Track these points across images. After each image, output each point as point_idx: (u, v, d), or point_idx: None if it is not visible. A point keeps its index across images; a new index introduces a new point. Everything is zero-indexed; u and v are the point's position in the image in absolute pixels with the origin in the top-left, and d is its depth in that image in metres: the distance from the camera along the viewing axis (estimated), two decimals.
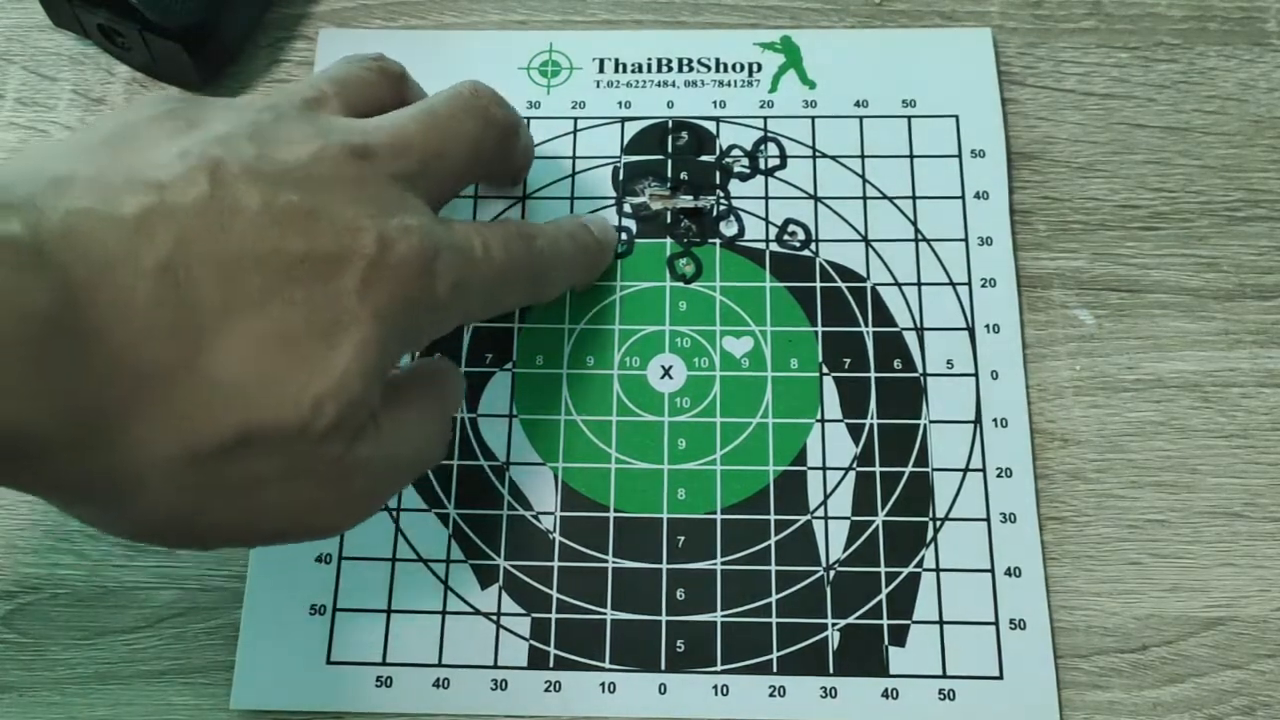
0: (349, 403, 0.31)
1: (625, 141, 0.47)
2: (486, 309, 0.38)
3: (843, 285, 0.45)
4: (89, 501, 0.30)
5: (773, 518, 0.41)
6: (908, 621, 0.40)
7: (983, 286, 0.44)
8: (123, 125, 0.32)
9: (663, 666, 0.40)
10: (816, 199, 0.46)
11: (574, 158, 0.47)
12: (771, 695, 0.39)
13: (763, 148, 0.47)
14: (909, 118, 0.47)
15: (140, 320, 0.28)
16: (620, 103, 0.48)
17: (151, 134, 0.31)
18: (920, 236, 0.45)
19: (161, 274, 0.28)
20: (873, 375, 0.43)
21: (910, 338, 0.44)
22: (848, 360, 0.43)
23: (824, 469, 0.42)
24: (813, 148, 0.47)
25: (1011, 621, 0.40)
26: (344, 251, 0.31)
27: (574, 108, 0.48)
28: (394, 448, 0.34)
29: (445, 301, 0.34)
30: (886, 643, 0.40)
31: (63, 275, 0.27)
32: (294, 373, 0.30)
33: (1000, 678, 0.39)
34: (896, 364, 0.43)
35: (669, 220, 0.46)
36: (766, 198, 0.46)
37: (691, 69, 0.48)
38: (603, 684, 0.40)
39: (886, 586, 0.40)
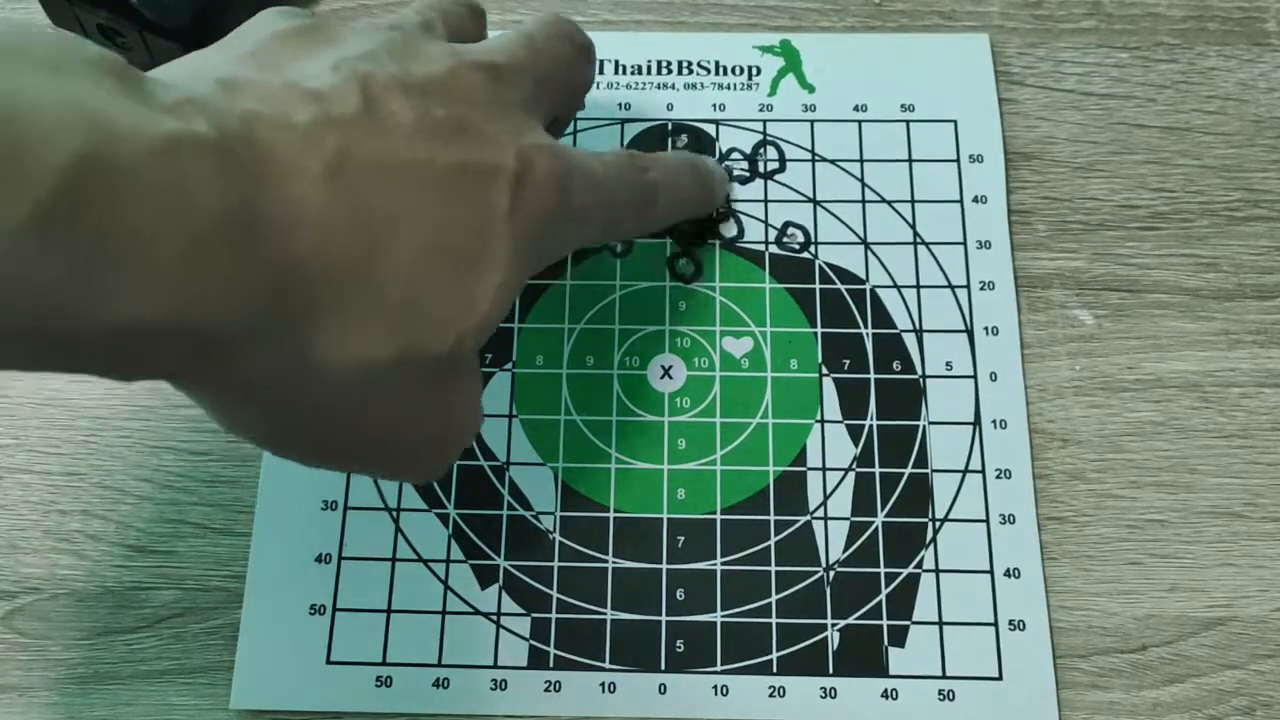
0: (482, 337, 0.32)
1: (625, 143, 0.47)
2: (604, 234, 0.39)
3: (842, 287, 0.45)
4: (246, 402, 0.30)
5: (772, 518, 0.41)
6: (907, 622, 0.40)
7: (981, 289, 0.44)
8: (261, 40, 0.32)
9: (663, 667, 0.40)
10: (815, 202, 0.46)
11: None
12: (771, 695, 0.39)
13: (762, 151, 0.47)
14: (907, 122, 0.47)
15: (316, 225, 0.28)
16: (620, 104, 0.48)
17: (293, 48, 0.32)
18: (919, 240, 0.45)
19: (332, 180, 0.29)
20: (872, 376, 0.43)
21: (909, 339, 0.44)
22: (847, 361, 0.44)
23: (824, 470, 0.42)
24: (812, 151, 0.47)
25: (1011, 622, 0.40)
26: (491, 165, 0.32)
27: None
28: (473, 393, 0.35)
29: (574, 223, 0.35)
30: (886, 643, 0.40)
31: (245, 177, 0.27)
32: (445, 299, 0.31)
33: (999, 678, 0.39)
34: (896, 365, 0.43)
35: None
36: (766, 201, 0.46)
37: (691, 71, 0.49)
38: (603, 684, 0.40)
39: (886, 587, 0.40)
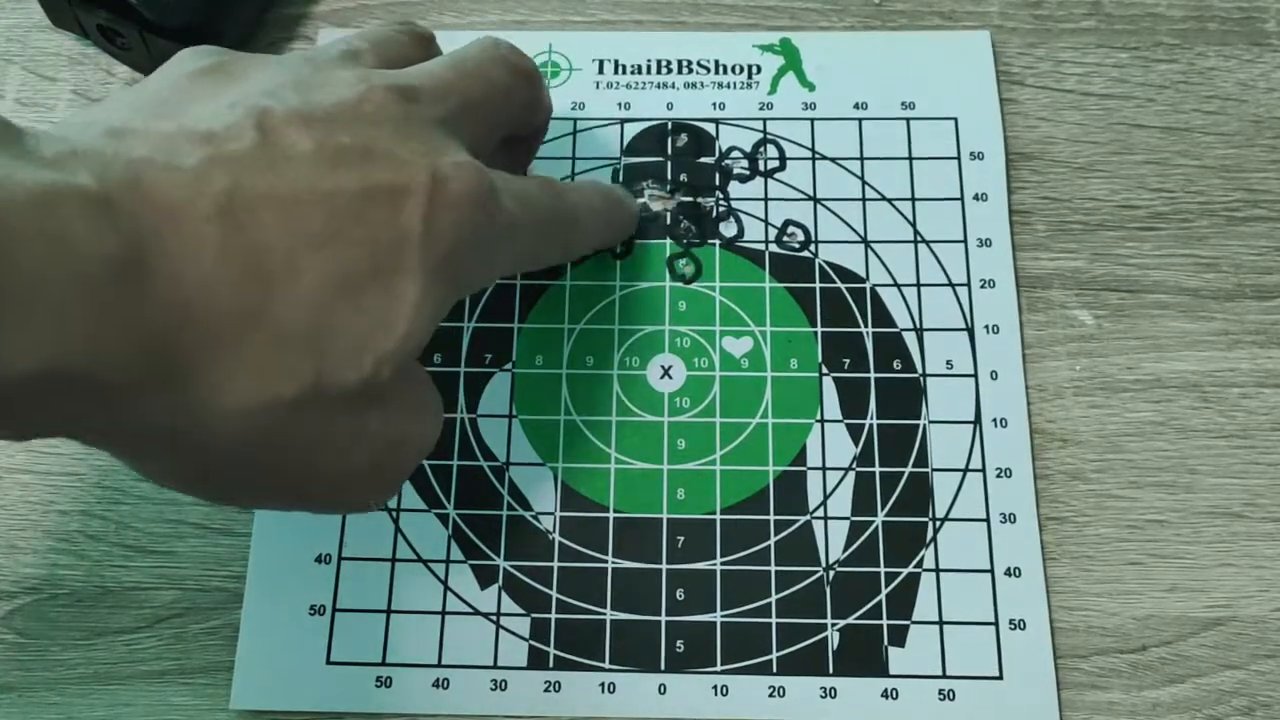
0: (405, 360, 0.32)
1: (625, 143, 0.47)
2: (526, 257, 0.39)
3: (842, 286, 0.45)
4: (153, 451, 0.30)
5: (772, 518, 0.41)
6: (907, 622, 0.40)
7: (982, 287, 0.44)
8: (166, 83, 0.32)
9: (662, 667, 0.40)
10: (816, 201, 0.46)
11: (573, 159, 0.47)
12: (771, 695, 0.39)
13: (762, 149, 0.47)
14: (908, 120, 0.47)
15: (210, 265, 0.28)
16: (620, 104, 0.48)
17: (196, 89, 0.32)
18: (919, 238, 0.45)
19: (225, 219, 0.28)
20: (872, 375, 0.43)
21: (910, 338, 0.44)
22: (847, 361, 0.43)
23: (824, 469, 0.42)
24: (812, 149, 0.47)
25: (1011, 622, 0.40)
26: (399, 187, 0.31)
27: (573, 109, 0.48)
28: (417, 416, 0.35)
29: (496, 243, 0.34)
30: (886, 643, 0.40)
31: (131, 222, 0.27)
32: (358, 324, 0.30)
33: (1000, 678, 0.39)
34: (896, 364, 0.43)
35: (669, 221, 0.46)
36: (766, 199, 0.46)
37: (691, 70, 0.49)
38: (602, 684, 0.40)
39: (886, 587, 0.40)
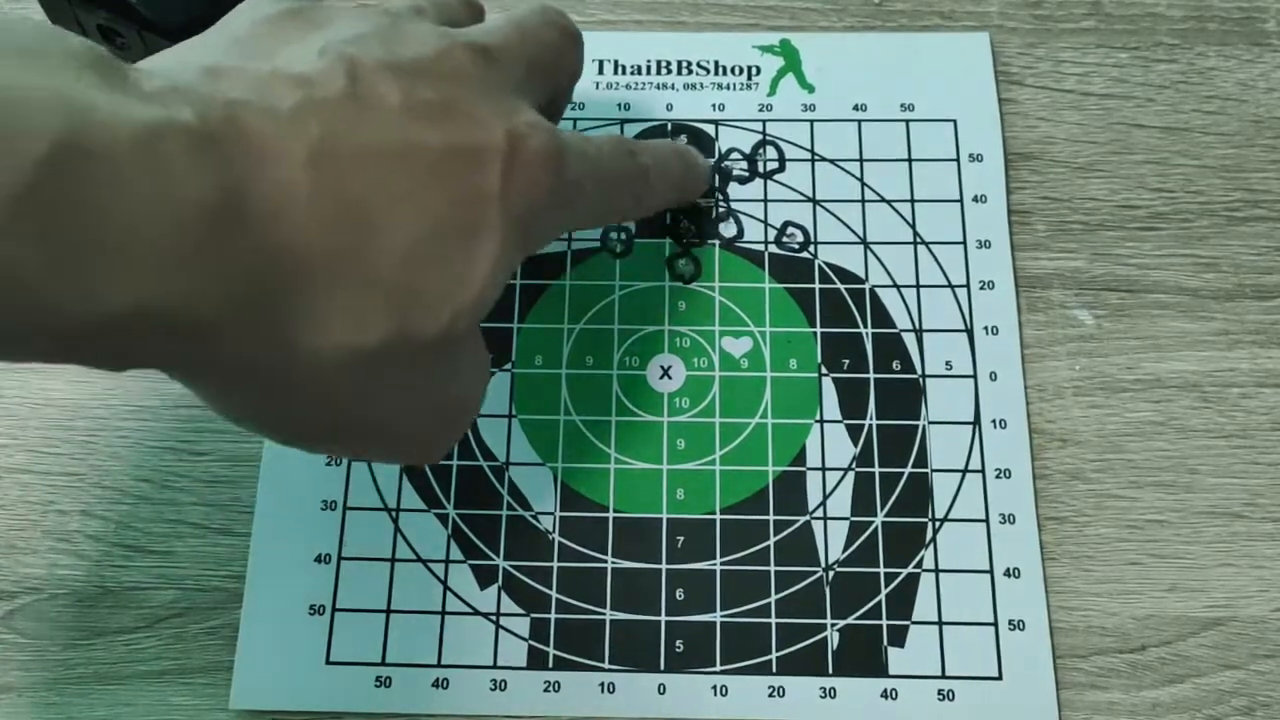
0: (478, 314, 0.32)
1: None
2: (597, 215, 0.40)
3: (841, 287, 0.45)
4: (240, 389, 0.31)
5: (772, 518, 0.41)
6: (907, 622, 0.40)
7: (981, 289, 0.44)
8: (247, 25, 0.32)
9: (662, 667, 0.40)
10: (815, 202, 0.46)
11: None
12: (771, 695, 0.39)
13: (761, 151, 0.47)
14: (907, 121, 0.47)
15: (303, 210, 0.28)
16: (620, 104, 0.48)
17: (281, 32, 0.32)
18: (919, 239, 0.45)
19: (317, 165, 0.29)
20: (871, 376, 0.43)
21: (909, 339, 0.44)
22: (846, 361, 0.44)
23: (823, 469, 0.42)
24: (811, 151, 0.47)
25: (1010, 622, 0.40)
26: (481, 146, 0.32)
27: (573, 109, 0.48)
28: (477, 372, 0.36)
29: (567, 201, 0.35)
30: (886, 643, 0.40)
31: (230, 163, 0.27)
32: (440, 278, 0.31)
33: (999, 678, 0.39)
34: (895, 365, 0.43)
35: (668, 221, 0.46)
36: (765, 200, 0.46)
37: (691, 71, 0.49)
38: (602, 684, 0.40)
39: (886, 587, 0.40)
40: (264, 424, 0.33)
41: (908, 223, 0.46)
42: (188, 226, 0.26)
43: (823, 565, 0.41)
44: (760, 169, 0.47)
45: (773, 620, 0.40)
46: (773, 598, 0.40)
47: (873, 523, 0.41)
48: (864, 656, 0.40)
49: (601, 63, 0.49)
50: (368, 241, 0.29)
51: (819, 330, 0.44)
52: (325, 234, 0.29)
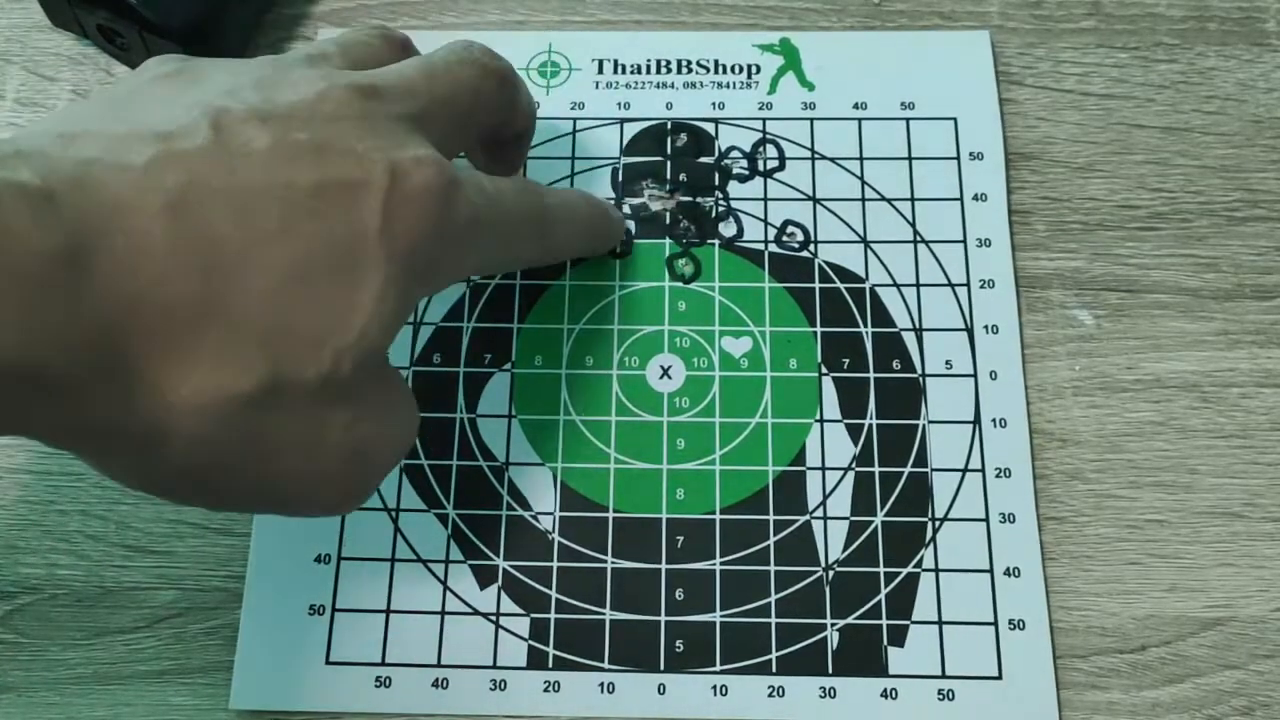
0: (368, 354, 0.31)
1: (624, 143, 0.47)
2: (500, 255, 0.38)
3: (841, 286, 0.45)
4: (107, 449, 0.30)
5: (772, 518, 0.41)
6: (907, 622, 0.40)
7: (981, 288, 0.44)
8: (127, 89, 0.32)
9: (662, 667, 0.40)
10: (815, 201, 0.46)
11: (573, 159, 0.47)
12: (771, 695, 0.39)
13: (761, 149, 0.47)
14: (907, 120, 0.47)
15: (160, 259, 0.28)
16: (619, 104, 0.48)
17: (156, 93, 0.32)
18: (919, 238, 0.45)
19: (175, 214, 0.28)
20: (871, 375, 0.43)
21: (909, 338, 0.44)
22: (846, 360, 0.43)
23: (823, 469, 0.42)
24: (811, 149, 0.47)
25: (1010, 622, 0.40)
26: (358, 180, 0.31)
27: (573, 109, 0.48)
28: (388, 417, 0.34)
29: (462, 237, 0.34)
30: (885, 643, 0.40)
31: (75, 218, 0.27)
32: (315, 318, 0.30)
33: (999, 678, 0.39)
34: (895, 364, 0.43)
35: (668, 221, 0.46)
36: (765, 199, 0.46)
37: (690, 70, 0.49)
38: (602, 684, 0.40)
39: (885, 587, 0.40)
40: (148, 487, 0.32)
41: (908, 221, 0.46)
42: (29, 282, 0.26)
43: (823, 565, 0.41)
44: (760, 168, 0.47)
45: (773, 620, 0.40)
46: (773, 597, 0.40)
47: (873, 522, 0.41)
48: (864, 656, 0.40)
49: (601, 62, 0.49)
50: (232, 285, 0.29)
51: (819, 330, 0.44)
52: (185, 280, 0.28)
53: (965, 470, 0.42)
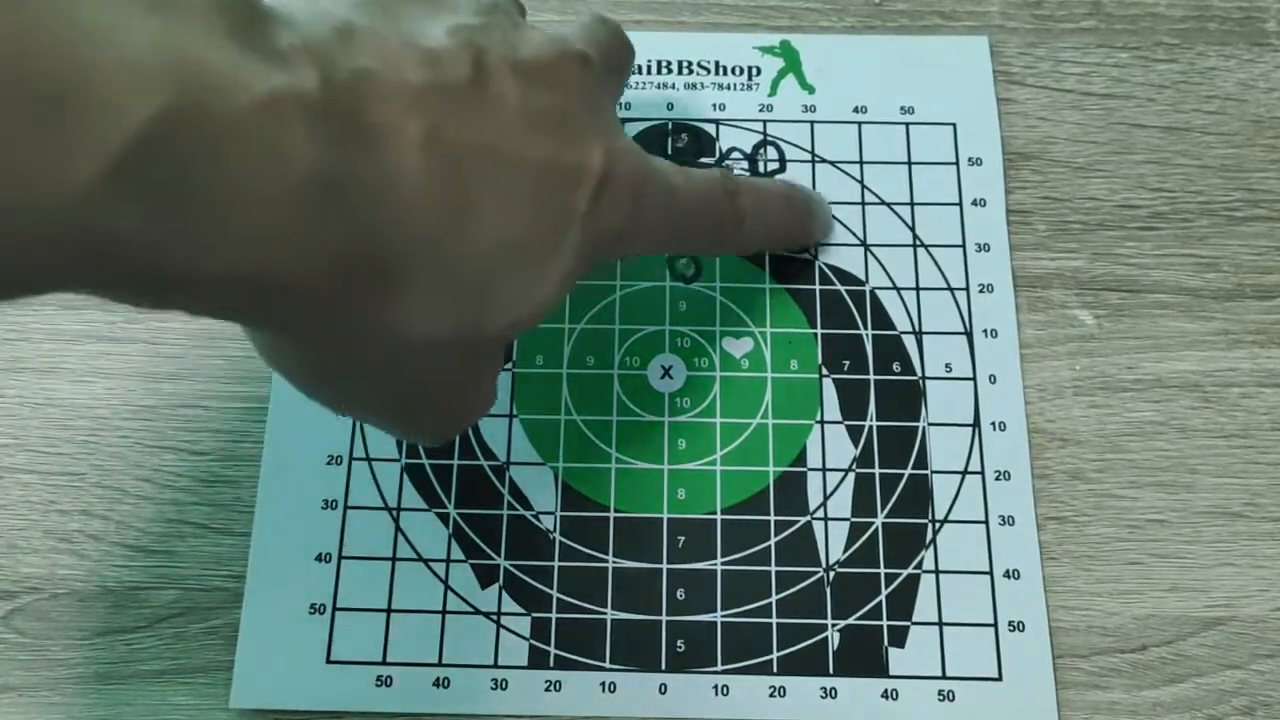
0: (533, 326, 0.32)
1: None
2: (670, 248, 0.40)
3: (842, 288, 0.45)
4: (304, 350, 0.31)
5: (772, 518, 0.41)
6: (907, 622, 0.40)
7: (980, 292, 0.44)
8: None
9: (663, 666, 0.40)
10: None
11: None
12: (771, 695, 0.39)
13: (762, 151, 0.47)
14: (907, 124, 0.47)
15: (409, 193, 0.28)
16: (620, 104, 0.48)
17: (409, 5, 0.31)
18: (918, 242, 0.45)
19: (430, 152, 0.28)
20: (872, 378, 0.43)
21: (909, 341, 0.44)
22: (847, 362, 0.44)
23: (824, 470, 0.42)
24: (811, 152, 0.47)
25: (1010, 623, 0.40)
26: (581, 165, 0.32)
27: None
28: (496, 375, 0.36)
29: (640, 232, 0.35)
30: (886, 644, 0.40)
31: (345, 138, 0.27)
32: (512, 285, 0.31)
33: (999, 679, 0.39)
34: (895, 367, 0.43)
35: None
36: None
37: (691, 71, 0.49)
38: (603, 684, 0.40)
39: (886, 588, 0.40)
40: (302, 378, 0.33)
41: (907, 225, 0.46)
42: (294, 200, 0.26)
43: (823, 566, 0.41)
44: (761, 169, 0.47)
45: (773, 620, 0.40)
46: (773, 598, 0.40)
47: (873, 523, 0.41)
48: (864, 657, 0.40)
49: None
50: (460, 238, 0.29)
51: (820, 331, 0.44)
52: (424, 221, 0.29)
53: (965, 472, 0.42)
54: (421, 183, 0.28)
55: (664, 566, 0.41)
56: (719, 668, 0.40)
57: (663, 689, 0.39)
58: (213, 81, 0.24)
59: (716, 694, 0.39)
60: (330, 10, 0.29)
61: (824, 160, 0.47)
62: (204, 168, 0.24)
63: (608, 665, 0.40)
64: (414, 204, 0.28)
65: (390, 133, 0.28)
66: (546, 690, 0.39)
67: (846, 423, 0.43)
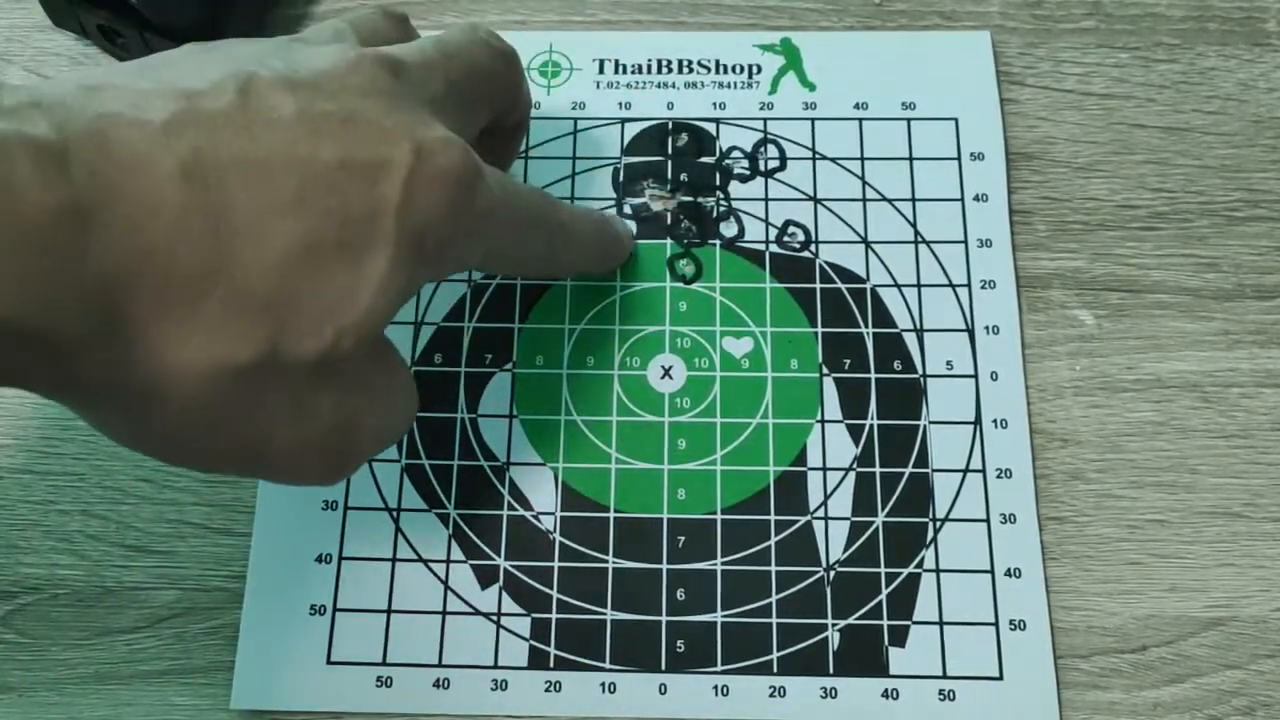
0: (368, 333, 0.31)
1: (625, 142, 0.47)
2: (508, 251, 0.38)
3: (842, 286, 0.45)
4: (101, 405, 0.30)
5: (773, 518, 0.41)
6: (908, 622, 0.40)
7: (982, 288, 0.44)
8: (162, 57, 0.32)
9: (663, 667, 0.40)
10: (816, 201, 0.46)
11: (574, 158, 0.47)
12: (772, 696, 0.39)
13: (763, 149, 0.47)
14: (908, 120, 0.47)
15: (169, 222, 0.28)
16: (620, 104, 0.48)
17: (189, 59, 0.31)
18: (920, 238, 0.45)
19: (189, 176, 0.28)
20: (873, 376, 0.43)
21: (910, 339, 0.44)
22: (848, 361, 0.43)
23: (824, 469, 0.42)
24: (812, 150, 0.47)
25: (1011, 622, 0.40)
26: (382, 159, 0.31)
27: (574, 108, 0.48)
28: (383, 397, 0.34)
29: (476, 226, 0.34)
30: (886, 643, 0.40)
31: (86, 176, 0.26)
32: (322, 294, 0.30)
33: (1000, 678, 0.39)
34: (896, 365, 0.43)
35: (669, 221, 0.46)
36: (766, 199, 0.46)
37: (691, 70, 0.49)
38: (603, 684, 0.40)
39: (886, 587, 0.40)
40: (137, 445, 0.31)
41: (909, 222, 0.46)
42: (28, 241, 0.25)
43: (824, 565, 0.41)
44: (761, 168, 0.47)
45: (774, 620, 0.40)
46: (774, 598, 0.40)
47: (873, 523, 0.41)
48: (865, 656, 0.40)
49: (602, 62, 0.49)
50: (240, 252, 0.29)
51: (820, 330, 0.44)
52: (191, 247, 0.28)
53: (966, 471, 0.42)
54: (183, 210, 0.28)
55: (664, 567, 0.41)
56: (719, 668, 0.40)
57: (663, 689, 0.39)
58: None
59: (716, 694, 0.39)
60: (81, 76, 0.29)
61: (825, 157, 0.47)
62: None
63: (608, 666, 0.40)
64: (178, 229, 0.28)
65: (142, 165, 0.27)
66: (546, 691, 0.39)
67: (847, 421, 0.43)
